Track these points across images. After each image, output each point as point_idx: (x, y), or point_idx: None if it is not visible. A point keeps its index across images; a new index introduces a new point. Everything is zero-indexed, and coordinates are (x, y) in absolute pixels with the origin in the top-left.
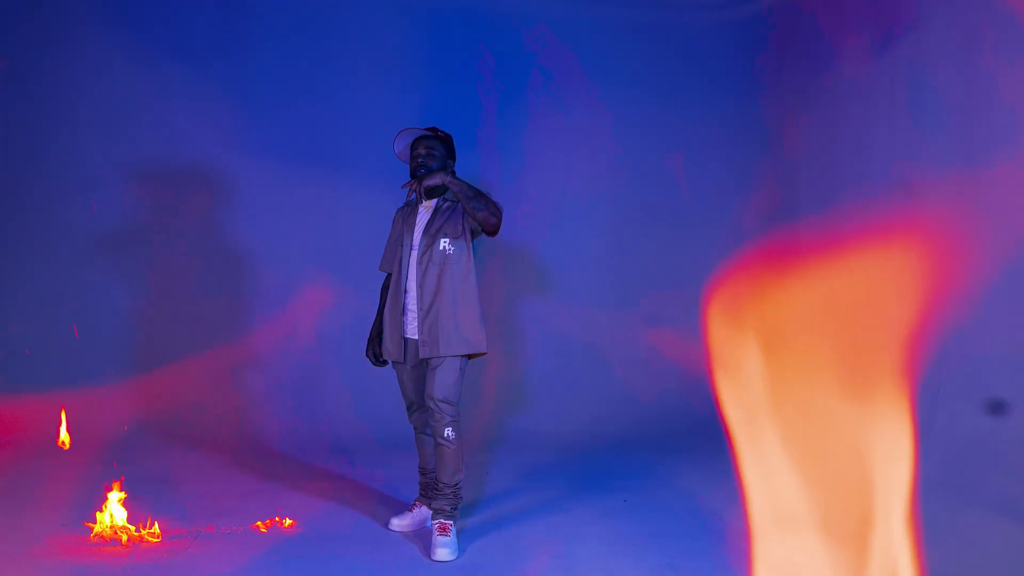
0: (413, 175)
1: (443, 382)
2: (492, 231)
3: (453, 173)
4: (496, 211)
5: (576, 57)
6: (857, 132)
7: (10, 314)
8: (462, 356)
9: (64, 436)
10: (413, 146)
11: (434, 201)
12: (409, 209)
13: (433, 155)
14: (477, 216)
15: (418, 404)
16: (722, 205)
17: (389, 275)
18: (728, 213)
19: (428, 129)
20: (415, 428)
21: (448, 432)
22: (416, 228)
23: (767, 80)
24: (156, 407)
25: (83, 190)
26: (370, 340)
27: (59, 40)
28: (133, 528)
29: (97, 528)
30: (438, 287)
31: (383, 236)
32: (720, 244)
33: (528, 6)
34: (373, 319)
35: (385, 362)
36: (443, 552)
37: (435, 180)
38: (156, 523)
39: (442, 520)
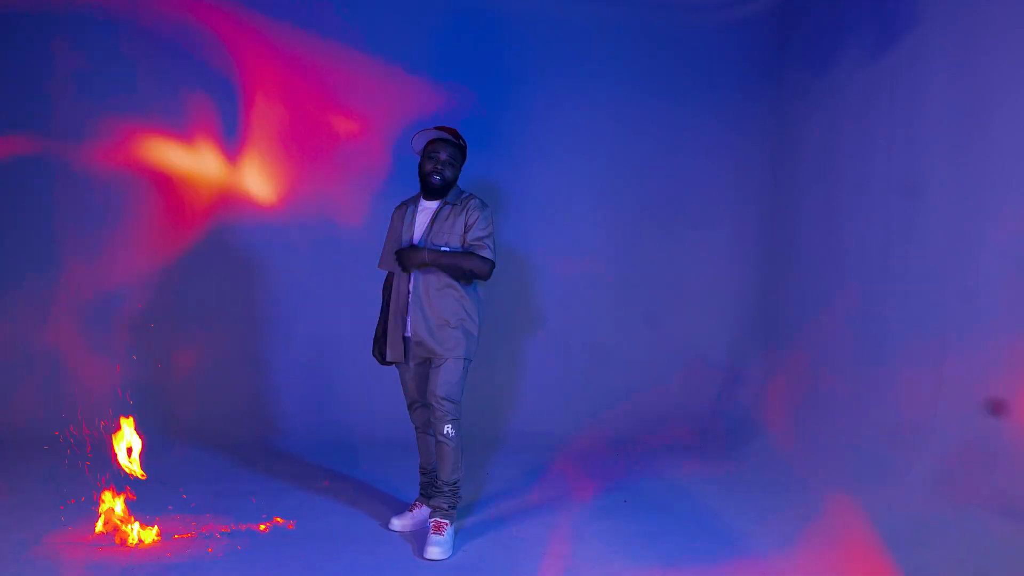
0: (426, 176)
1: (446, 380)
2: (484, 280)
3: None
4: (481, 268)
5: (576, 57)
6: (857, 132)
7: (10, 314)
8: (465, 357)
9: (128, 463)
10: (435, 146)
11: (435, 203)
12: (407, 208)
13: (452, 164)
14: (461, 278)
15: (420, 403)
16: (722, 205)
17: (390, 273)
18: (728, 213)
19: (450, 132)
20: (416, 427)
21: (448, 429)
22: (416, 229)
23: (767, 80)
24: (156, 407)
25: (83, 190)
26: (376, 339)
27: (60, 38)
28: (133, 530)
29: (99, 526)
30: (438, 290)
31: (383, 235)
32: (720, 244)
33: (528, 6)
34: (376, 319)
35: (391, 361)
36: (435, 551)
37: (419, 261)
38: (156, 524)
39: (438, 519)
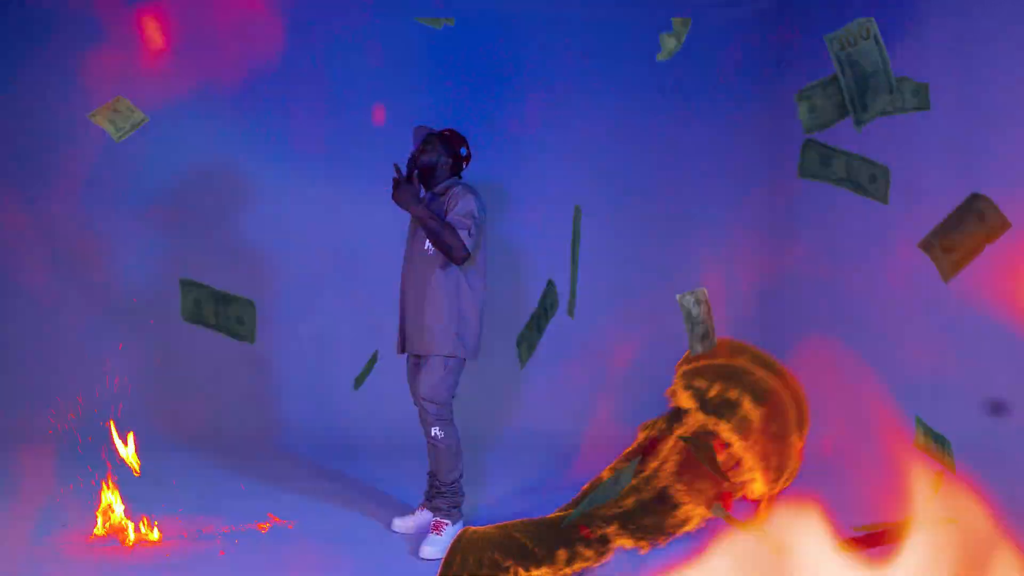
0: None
1: (427, 381)
2: (454, 263)
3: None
4: (456, 246)
5: (575, 58)
6: (857, 132)
7: (11, 313)
8: (446, 356)
9: (128, 457)
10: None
11: (425, 195)
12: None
13: (428, 150)
14: (436, 247)
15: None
16: (721, 206)
17: None
18: (727, 214)
19: (444, 131)
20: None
21: (435, 431)
22: (411, 222)
23: (767, 81)
24: (155, 406)
25: (86, 190)
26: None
27: (60, 39)
28: (132, 528)
29: (98, 528)
30: (419, 285)
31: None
32: (719, 244)
33: (527, 7)
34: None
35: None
36: (429, 550)
37: (407, 203)
38: (156, 524)
39: (438, 519)
